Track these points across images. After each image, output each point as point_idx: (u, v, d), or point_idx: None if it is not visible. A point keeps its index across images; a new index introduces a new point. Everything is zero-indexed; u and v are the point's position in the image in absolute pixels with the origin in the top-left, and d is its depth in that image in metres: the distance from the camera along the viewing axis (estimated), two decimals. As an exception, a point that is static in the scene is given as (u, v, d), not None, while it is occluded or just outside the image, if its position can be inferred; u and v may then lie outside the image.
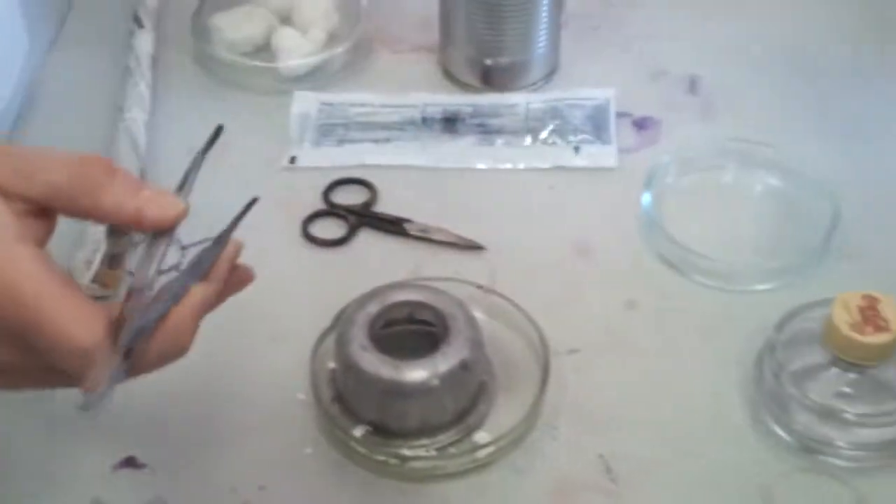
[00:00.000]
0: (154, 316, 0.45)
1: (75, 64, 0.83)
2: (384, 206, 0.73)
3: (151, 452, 0.60)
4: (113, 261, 0.68)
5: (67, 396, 0.56)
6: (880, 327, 0.56)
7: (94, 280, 0.66)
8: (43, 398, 0.53)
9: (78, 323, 0.43)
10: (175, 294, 0.46)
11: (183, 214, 0.48)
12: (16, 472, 0.59)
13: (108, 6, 0.87)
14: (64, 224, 0.70)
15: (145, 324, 0.45)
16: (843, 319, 0.57)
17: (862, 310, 0.57)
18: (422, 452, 0.59)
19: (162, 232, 0.48)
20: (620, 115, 0.78)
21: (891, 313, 0.57)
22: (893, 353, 0.57)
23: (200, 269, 0.48)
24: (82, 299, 0.44)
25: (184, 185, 0.50)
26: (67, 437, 0.61)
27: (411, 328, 0.61)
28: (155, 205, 0.47)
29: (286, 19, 0.83)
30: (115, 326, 0.45)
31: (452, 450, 0.59)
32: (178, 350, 0.46)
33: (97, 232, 0.67)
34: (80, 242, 0.67)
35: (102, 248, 0.67)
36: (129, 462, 0.60)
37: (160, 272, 0.48)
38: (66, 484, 0.59)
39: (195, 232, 0.68)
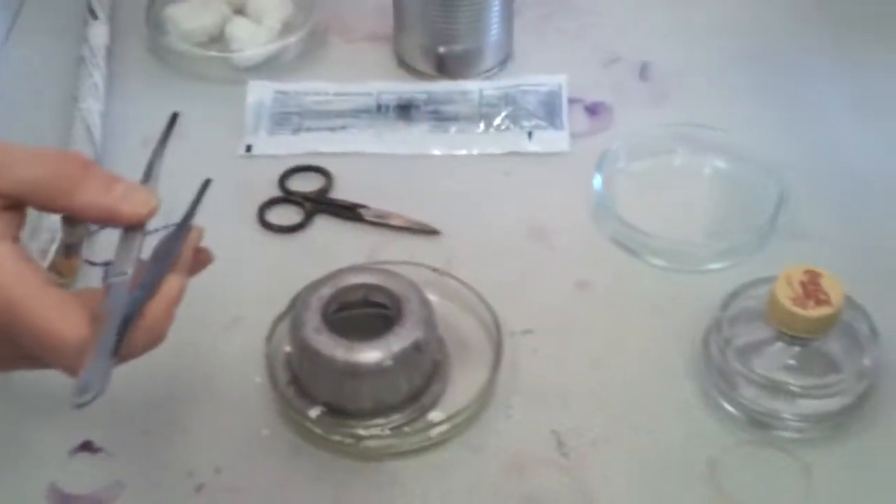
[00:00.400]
0: (133, 310, 0.46)
1: (30, 55, 0.83)
2: (340, 193, 0.74)
3: (108, 436, 0.60)
4: (69, 250, 0.68)
5: (25, 381, 0.56)
6: (822, 301, 0.58)
7: (51, 269, 0.66)
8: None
9: (64, 321, 0.44)
10: (149, 285, 0.47)
11: (156, 210, 0.49)
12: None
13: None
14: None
15: (129, 317, 0.45)
16: (785, 294, 0.58)
17: (804, 284, 0.58)
18: (377, 432, 0.59)
19: (135, 226, 0.48)
20: (573, 100, 0.79)
21: (832, 287, 0.58)
22: (835, 325, 0.58)
23: (170, 257, 0.48)
24: (64, 295, 0.45)
25: (149, 176, 0.51)
26: (24, 422, 0.61)
27: (366, 311, 0.62)
28: (129, 202, 0.48)
29: (240, 9, 0.83)
30: (98, 321, 0.45)
31: (407, 429, 0.60)
32: (157, 340, 0.47)
33: (52, 221, 0.68)
34: (35, 231, 0.67)
35: (58, 237, 0.67)
36: (86, 446, 0.60)
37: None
38: (23, 468, 0.59)
39: (153, 220, 0.68)
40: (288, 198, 0.73)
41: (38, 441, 0.60)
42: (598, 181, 0.72)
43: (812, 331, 0.58)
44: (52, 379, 0.62)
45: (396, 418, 0.60)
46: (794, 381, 0.59)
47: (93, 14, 0.82)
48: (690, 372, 0.63)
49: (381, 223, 0.71)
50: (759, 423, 0.60)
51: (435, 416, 0.61)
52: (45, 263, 0.66)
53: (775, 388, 0.59)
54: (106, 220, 0.48)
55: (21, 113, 0.79)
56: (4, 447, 0.60)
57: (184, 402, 0.62)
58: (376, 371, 0.58)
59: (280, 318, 0.64)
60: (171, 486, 0.59)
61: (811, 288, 0.58)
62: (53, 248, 0.67)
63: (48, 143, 0.75)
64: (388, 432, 0.60)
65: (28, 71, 0.82)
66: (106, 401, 0.61)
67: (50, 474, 0.59)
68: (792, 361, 0.60)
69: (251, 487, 0.59)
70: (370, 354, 0.58)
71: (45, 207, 0.47)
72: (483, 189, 0.74)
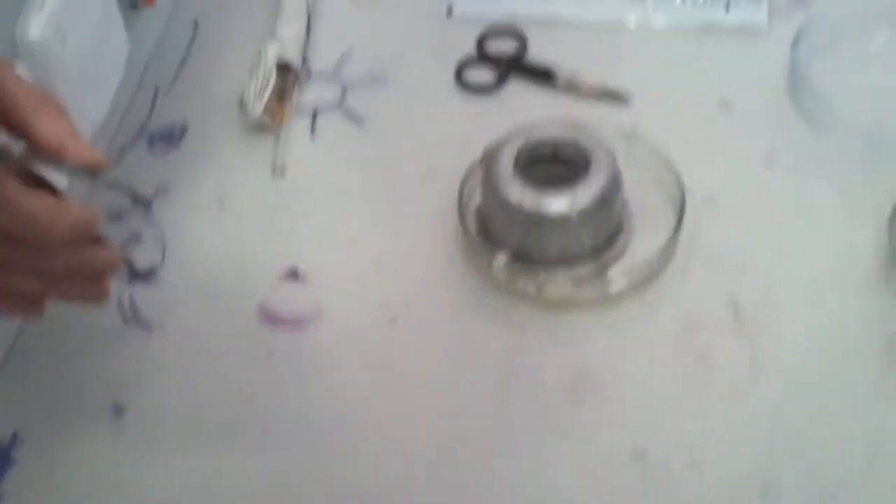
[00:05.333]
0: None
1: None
2: (534, 57, 0.76)
3: (312, 266, 0.66)
4: (282, 96, 0.73)
5: (239, 205, 0.61)
6: None
7: (265, 112, 0.72)
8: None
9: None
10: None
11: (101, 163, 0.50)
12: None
13: None
14: (237, 53, 0.76)
15: None
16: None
17: None
18: (559, 280, 0.63)
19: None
20: (774, -24, 0.78)
21: None
22: None
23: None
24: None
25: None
26: (239, 246, 0.67)
27: (554, 167, 0.65)
28: (77, 147, 0.49)
29: None
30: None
31: (587, 282, 0.63)
32: None
33: (268, 67, 0.73)
34: (253, 71, 0.72)
35: (272, 82, 0.72)
36: (292, 273, 0.66)
37: None
38: (237, 289, 0.65)
39: (354, 72, 0.73)
40: (484, 59, 0.76)
41: (252, 265, 0.66)
42: (794, 58, 0.71)
43: None
44: (269, 210, 0.69)
45: (578, 270, 0.63)
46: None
47: None
48: (874, 251, 0.63)
49: (572, 88, 0.73)
50: (941, 304, 0.60)
51: (615, 271, 0.63)
52: (262, 105, 0.71)
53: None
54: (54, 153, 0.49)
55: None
56: (223, 269, 0.66)
57: (380, 244, 0.67)
58: (562, 221, 0.61)
59: (472, 170, 0.67)
60: (366, 316, 0.64)
61: None
62: (268, 92, 0.72)
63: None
64: (569, 283, 0.63)
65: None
66: (309, 232, 0.68)
67: (261, 296, 0.65)
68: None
69: (439, 324, 0.63)
70: (557, 204, 0.61)
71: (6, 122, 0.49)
72: (676, 60, 0.75)
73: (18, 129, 0.49)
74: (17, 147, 0.49)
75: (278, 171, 0.70)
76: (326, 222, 0.68)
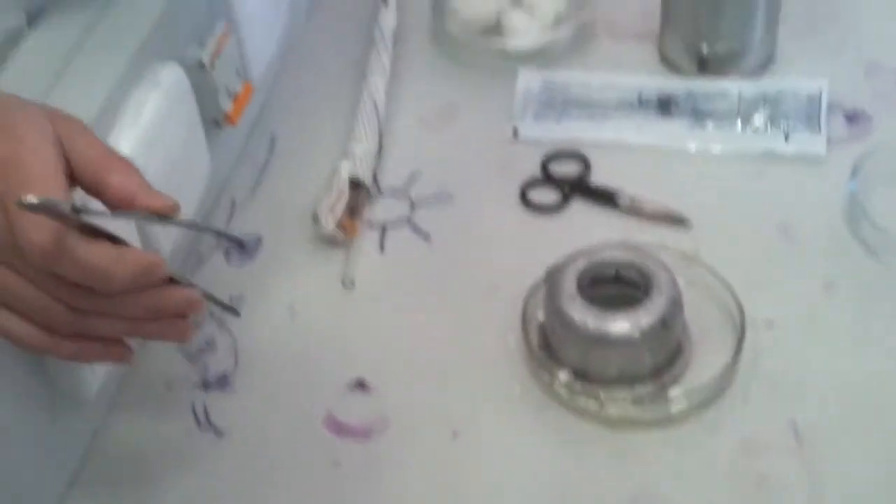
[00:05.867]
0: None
1: (327, 33, 0.92)
2: (597, 179, 0.78)
3: (379, 378, 0.68)
4: (353, 211, 0.76)
5: (307, 318, 0.64)
6: None
7: (337, 226, 0.75)
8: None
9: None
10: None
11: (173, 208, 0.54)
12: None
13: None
14: (311, 169, 0.79)
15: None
16: None
17: None
18: (619, 399, 0.64)
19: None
20: (832, 106, 0.80)
21: None
22: None
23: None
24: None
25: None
26: (306, 356, 0.69)
27: (615, 288, 0.67)
28: (149, 197, 0.53)
29: (515, 1, 0.89)
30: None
31: (648, 401, 0.64)
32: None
33: (342, 181, 0.76)
34: (326, 188, 0.76)
35: (344, 198, 0.76)
36: (360, 384, 0.68)
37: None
38: (305, 398, 0.67)
39: (422, 189, 0.77)
40: (548, 180, 0.79)
41: (321, 374, 0.68)
42: (853, 186, 0.73)
43: None
44: (338, 321, 0.71)
45: (639, 390, 0.64)
46: None
47: (384, 1, 0.90)
48: (934, 378, 0.64)
49: (633, 210, 0.76)
50: None
51: (675, 392, 0.64)
52: (333, 220, 0.74)
53: None
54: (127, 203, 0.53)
55: (317, 80, 0.87)
56: (292, 378, 0.68)
57: (445, 355, 0.69)
58: (624, 342, 0.62)
59: (536, 288, 0.69)
60: (430, 429, 0.65)
61: None
62: (340, 208, 0.75)
63: (341, 112, 0.83)
64: (629, 402, 0.64)
65: (325, 46, 0.91)
66: (376, 343, 0.70)
67: (328, 405, 0.67)
68: None
69: (500, 439, 0.65)
70: (619, 325, 0.63)
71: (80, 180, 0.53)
72: (735, 186, 0.77)
73: (91, 185, 0.53)
74: (79, 203, 0.52)
75: (348, 283, 0.73)
76: (393, 334, 0.70)
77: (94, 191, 0.53)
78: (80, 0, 0.66)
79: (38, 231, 0.49)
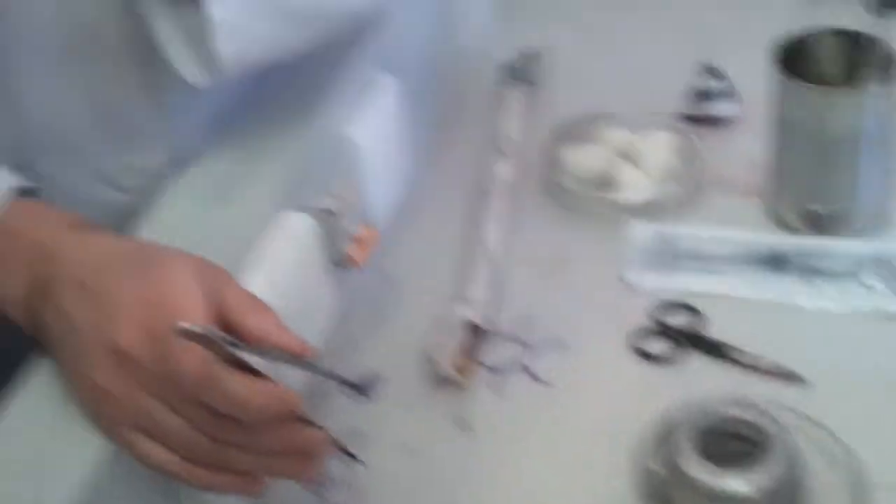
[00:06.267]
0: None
1: (446, 179, 0.95)
2: (708, 331, 0.79)
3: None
4: (468, 353, 0.79)
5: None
6: None
7: (453, 368, 0.77)
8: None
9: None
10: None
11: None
12: None
13: (475, 136, 0.99)
14: (429, 310, 0.81)
15: None
16: None
17: None
18: (736, 557, 0.64)
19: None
20: (946, 267, 0.81)
21: None
22: None
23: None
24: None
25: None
26: None
27: (731, 443, 0.67)
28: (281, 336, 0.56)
29: (626, 156, 0.92)
30: None
31: (765, 561, 0.64)
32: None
33: (457, 324, 0.78)
34: (442, 330, 0.78)
35: (460, 341, 0.78)
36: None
37: None
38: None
39: (536, 334, 0.78)
40: (660, 330, 0.80)
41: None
42: (971, 349, 0.73)
43: None
44: (454, 462, 0.72)
45: (759, 550, 0.64)
46: None
47: (501, 153, 0.94)
48: None
49: (747, 364, 0.76)
50: None
51: (795, 554, 0.64)
52: (449, 360, 0.76)
53: None
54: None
55: (430, 228, 0.91)
56: None
57: (560, 500, 0.70)
58: (744, 501, 0.62)
59: (649, 437, 0.70)
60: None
61: None
62: (457, 350, 0.77)
63: (456, 256, 0.86)
64: (746, 560, 0.64)
65: (444, 194, 0.94)
66: (492, 485, 0.70)
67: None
68: None
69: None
70: (737, 483, 0.63)
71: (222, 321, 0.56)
72: (850, 345, 0.77)
73: (232, 327, 0.56)
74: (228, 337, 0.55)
75: (463, 425, 0.74)
76: (508, 477, 0.71)
77: (234, 331, 0.56)
78: (218, 149, 0.71)
79: (192, 359, 0.52)
